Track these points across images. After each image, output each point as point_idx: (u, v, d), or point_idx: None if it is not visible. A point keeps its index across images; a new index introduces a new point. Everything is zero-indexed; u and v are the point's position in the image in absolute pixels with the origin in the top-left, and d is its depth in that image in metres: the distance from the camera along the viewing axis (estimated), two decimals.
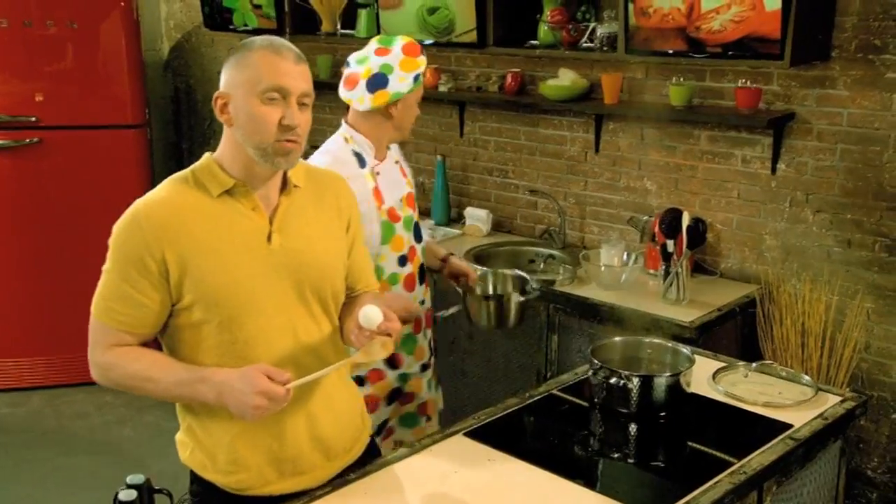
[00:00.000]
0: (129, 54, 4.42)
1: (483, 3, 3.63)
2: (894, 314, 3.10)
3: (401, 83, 2.42)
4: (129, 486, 1.80)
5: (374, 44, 2.49)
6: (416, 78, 2.44)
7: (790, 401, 2.27)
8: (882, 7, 2.94)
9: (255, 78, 1.70)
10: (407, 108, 2.49)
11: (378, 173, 2.50)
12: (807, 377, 2.41)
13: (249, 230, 1.76)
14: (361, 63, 2.47)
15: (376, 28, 4.01)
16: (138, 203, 1.74)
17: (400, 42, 2.46)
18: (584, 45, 3.51)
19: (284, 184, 1.82)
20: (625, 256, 3.38)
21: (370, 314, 1.69)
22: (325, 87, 4.66)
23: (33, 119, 4.31)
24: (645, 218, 3.53)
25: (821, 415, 2.21)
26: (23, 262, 4.46)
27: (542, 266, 3.51)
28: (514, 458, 2.00)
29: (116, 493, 1.81)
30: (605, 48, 3.41)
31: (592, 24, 3.48)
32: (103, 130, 4.42)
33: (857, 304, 3.12)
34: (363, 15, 4.13)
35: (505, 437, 2.11)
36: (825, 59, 3.08)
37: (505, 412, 2.22)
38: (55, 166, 4.38)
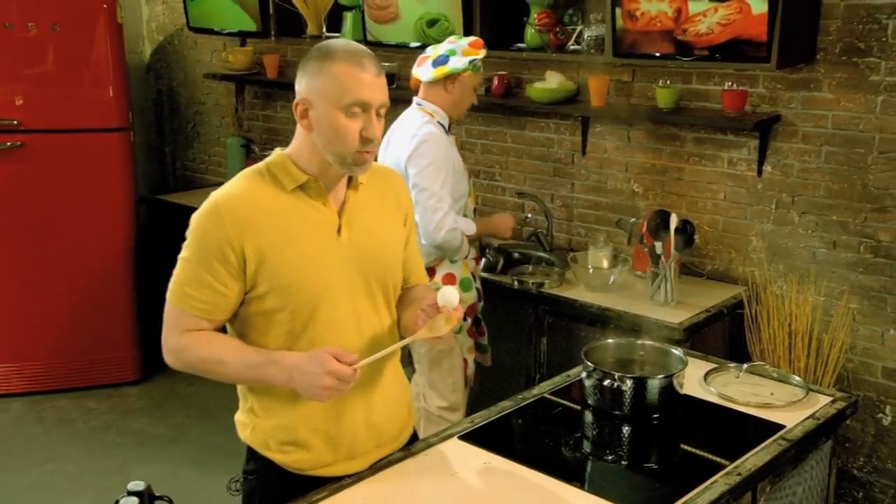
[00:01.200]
0: (112, 57, 4.38)
1: (470, 5, 3.63)
2: (879, 315, 3.13)
3: (458, 62, 3.00)
4: (130, 494, 1.78)
5: (449, 38, 3.12)
6: (472, 62, 3.02)
7: (782, 401, 2.29)
8: (866, 10, 2.97)
9: (339, 91, 1.75)
10: (464, 88, 3.05)
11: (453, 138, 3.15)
12: (798, 378, 2.43)
13: (321, 223, 1.84)
14: (434, 49, 3.08)
15: (362, 31, 4.00)
16: (218, 195, 1.81)
17: (469, 38, 3.09)
18: (571, 47, 3.52)
19: (349, 179, 1.90)
20: (613, 258, 3.39)
21: (449, 295, 1.78)
22: None
23: (15, 122, 4.26)
24: (632, 220, 3.54)
25: (812, 415, 2.22)
26: (5, 267, 4.40)
27: (530, 268, 3.51)
28: (511, 461, 2.00)
29: (117, 501, 1.79)
30: (592, 51, 3.42)
31: (579, 27, 3.49)
32: (86, 134, 4.37)
33: (843, 305, 3.15)
34: (349, 17, 4.13)
35: (501, 440, 2.12)
36: (810, 62, 3.10)
37: (500, 415, 2.23)
38: (37, 170, 4.33)
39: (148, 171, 5.57)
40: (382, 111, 1.81)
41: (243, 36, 4.79)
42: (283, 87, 4.83)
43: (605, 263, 3.37)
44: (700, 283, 3.39)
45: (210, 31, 4.83)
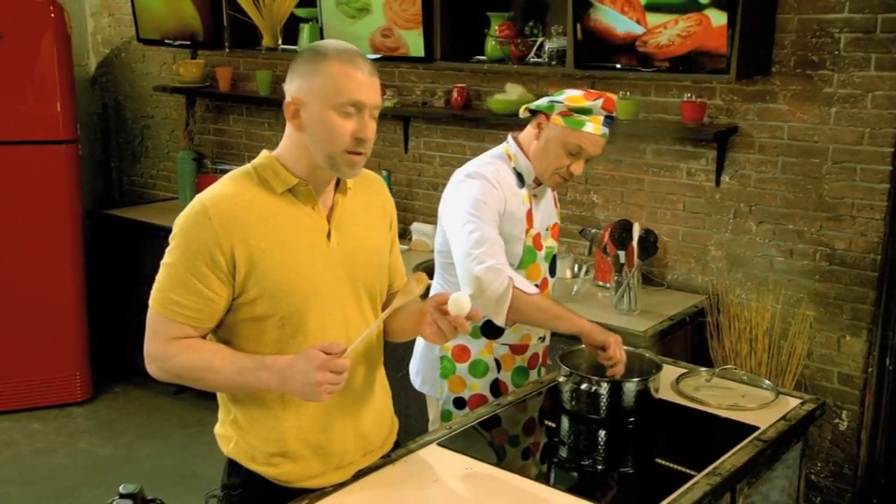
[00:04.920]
0: (60, 68, 4.27)
1: (430, 17, 3.63)
2: (835, 321, 3.20)
3: (553, 100, 2.34)
4: (123, 496, 1.70)
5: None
6: (572, 108, 2.30)
7: (753, 404, 2.31)
8: (819, 24, 3.06)
9: (333, 90, 1.72)
10: (549, 139, 2.35)
11: (535, 196, 2.47)
12: (767, 381, 2.46)
13: (310, 228, 1.80)
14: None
15: None
16: (204, 197, 1.75)
17: (602, 99, 2.31)
18: (532, 59, 3.54)
19: (337, 184, 1.86)
20: (576, 268, 3.41)
21: (461, 301, 1.77)
22: (265, 104, 4.61)
23: None
24: (594, 230, 3.56)
25: (784, 417, 2.25)
26: None
27: None
28: (491, 466, 1.98)
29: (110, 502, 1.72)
30: (553, 63, 3.44)
31: (540, 39, 3.51)
32: (33, 146, 4.25)
33: (800, 313, 3.21)
34: (306, 29, 4.09)
35: (479, 445, 2.10)
36: (766, 75, 3.18)
37: (478, 420, 2.20)
38: None
39: (93, 187, 5.42)
40: (376, 112, 1.77)
41: (195, 48, 4.72)
42: (237, 101, 4.77)
43: (568, 273, 3.39)
44: (661, 293, 3.43)
45: (160, 43, 4.74)
